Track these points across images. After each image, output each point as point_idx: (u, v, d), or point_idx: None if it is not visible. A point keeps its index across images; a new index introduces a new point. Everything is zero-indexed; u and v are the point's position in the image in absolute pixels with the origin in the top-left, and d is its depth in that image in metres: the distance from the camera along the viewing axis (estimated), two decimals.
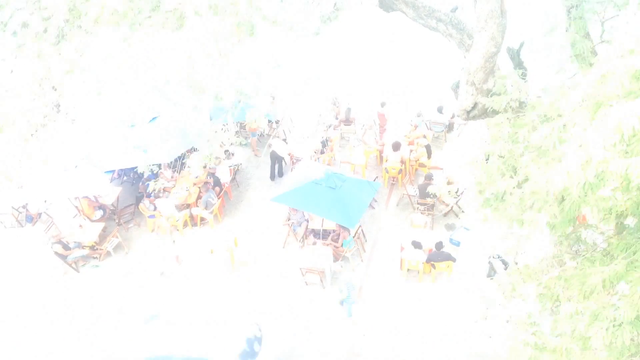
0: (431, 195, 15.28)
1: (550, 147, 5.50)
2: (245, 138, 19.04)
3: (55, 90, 9.05)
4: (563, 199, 5.76)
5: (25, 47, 8.46)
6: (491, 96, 8.70)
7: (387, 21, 16.65)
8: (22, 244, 15.58)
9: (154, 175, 16.61)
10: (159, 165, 16.59)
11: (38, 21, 8.34)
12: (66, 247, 14.28)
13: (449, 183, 15.44)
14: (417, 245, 13.49)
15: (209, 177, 16.41)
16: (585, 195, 5.15)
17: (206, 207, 15.67)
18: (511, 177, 7.33)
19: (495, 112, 8.67)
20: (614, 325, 5.33)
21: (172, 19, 8.56)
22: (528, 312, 7.10)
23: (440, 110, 18.52)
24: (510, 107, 8.44)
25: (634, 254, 5.37)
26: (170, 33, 8.74)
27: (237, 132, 19.09)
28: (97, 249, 14.76)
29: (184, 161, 17.32)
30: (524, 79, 8.71)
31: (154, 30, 8.66)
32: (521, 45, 9.60)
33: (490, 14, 8.73)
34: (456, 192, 15.28)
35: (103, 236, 15.15)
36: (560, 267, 6.45)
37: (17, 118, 8.82)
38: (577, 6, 8.20)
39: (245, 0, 8.35)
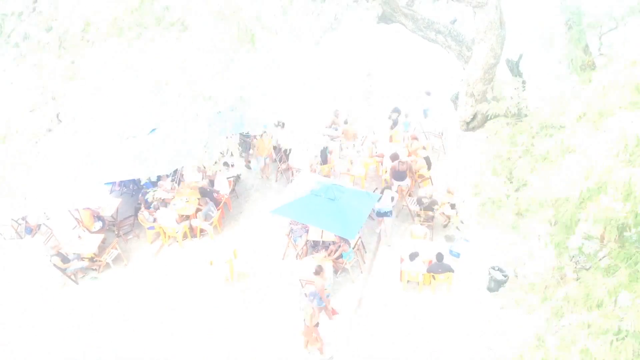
0: (433, 209, 15.32)
1: (554, 157, 5.51)
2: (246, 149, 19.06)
3: (54, 99, 9.06)
4: (559, 206, 5.77)
5: (27, 57, 8.49)
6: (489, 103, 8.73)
7: (386, 33, 16.74)
8: (21, 255, 15.52)
9: (151, 184, 16.61)
10: (158, 177, 16.59)
11: (40, 32, 8.37)
12: (65, 258, 14.22)
13: (449, 193, 15.45)
14: (415, 256, 13.46)
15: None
16: (584, 203, 5.15)
17: (206, 219, 15.65)
18: (509, 180, 7.33)
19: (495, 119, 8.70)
20: (617, 339, 5.30)
21: (173, 30, 8.60)
22: (535, 328, 7.05)
23: (425, 113, 18.95)
24: (510, 113, 8.47)
25: (636, 264, 5.35)
26: (170, 41, 8.77)
27: (238, 142, 19.13)
28: (96, 261, 14.70)
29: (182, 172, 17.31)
30: (523, 87, 8.75)
31: (155, 40, 8.70)
32: (520, 56, 9.65)
33: (490, 26, 8.78)
34: (455, 205, 15.30)
35: (102, 248, 15.10)
36: (562, 279, 6.43)
37: (18, 127, 8.82)
38: (575, 20, 8.25)
39: (247, 9, 8.39)
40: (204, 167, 16.34)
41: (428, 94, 19.66)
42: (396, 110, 19.18)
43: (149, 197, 14.99)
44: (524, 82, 9.02)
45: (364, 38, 23.13)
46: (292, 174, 17.62)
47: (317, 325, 12.08)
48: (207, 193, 16.23)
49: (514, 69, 9.72)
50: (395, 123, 19.08)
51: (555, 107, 6.37)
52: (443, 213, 15.47)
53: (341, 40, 19.30)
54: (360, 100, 21.64)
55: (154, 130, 15.76)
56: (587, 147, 4.66)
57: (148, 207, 15.74)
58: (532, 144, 7.02)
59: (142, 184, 16.49)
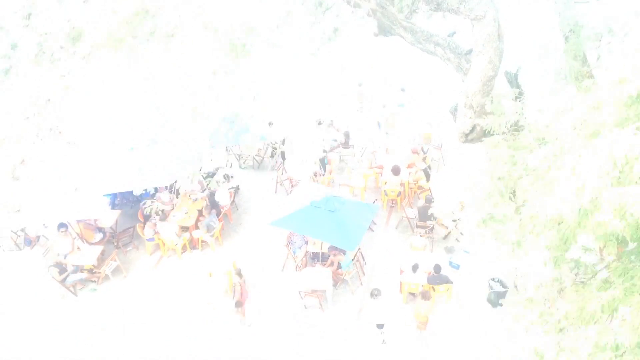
0: (431, 219, 15.31)
1: (545, 169, 5.51)
2: (244, 162, 19.13)
3: (47, 106, 9.05)
4: (559, 224, 5.74)
5: (18, 68, 8.50)
6: (488, 116, 8.74)
7: (385, 44, 16.80)
8: (20, 267, 15.48)
9: (148, 194, 16.59)
10: (156, 189, 16.58)
11: (31, 44, 8.39)
12: (63, 270, 14.18)
13: (462, 208, 15.27)
14: (416, 268, 13.43)
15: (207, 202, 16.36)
16: (581, 221, 5.13)
17: (208, 230, 15.61)
18: (510, 199, 7.32)
19: (493, 135, 8.71)
20: (616, 356, 5.25)
21: (166, 42, 8.63)
22: (534, 345, 6.99)
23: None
24: (507, 129, 8.48)
25: (632, 278, 5.33)
26: (165, 53, 8.80)
27: (237, 155, 19.21)
28: (95, 273, 14.65)
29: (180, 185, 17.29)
30: (520, 98, 8.77)
31: (150, 53, 8.73)
32: (519, 69, 9.68)
33: (488, 38, 8.83)
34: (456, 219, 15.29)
35: (101, 259, 15.05)
36: (559, 293, 6.40)
37: (6, 137, 8.81)
38: (574, 32, 8.29)
39: (240, 21, 8.43)
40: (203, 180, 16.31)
41: (403, 90, 20.34)
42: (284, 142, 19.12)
43: (147, 210, 14.95)
44: (521, 93, 9.04)
45: (362, 49, 23.28)
46: (292, 185, 17.63)
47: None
48: (215, 204, 16.25)
49: (513, 81, 9.76)
50: (283, 157, 18.93)
51: (550, 119, 6.38)
52: (442, 224, 15.46)
53: (339, 51, 19.38)
54: (353, 108, 21.87)
55: (153, 142, 15.77)
56: (578, 166, 4.67)
57: (147, 220, 15.66)
58: (527, 162, 7.03)
59: (138, 195, 16.39)
